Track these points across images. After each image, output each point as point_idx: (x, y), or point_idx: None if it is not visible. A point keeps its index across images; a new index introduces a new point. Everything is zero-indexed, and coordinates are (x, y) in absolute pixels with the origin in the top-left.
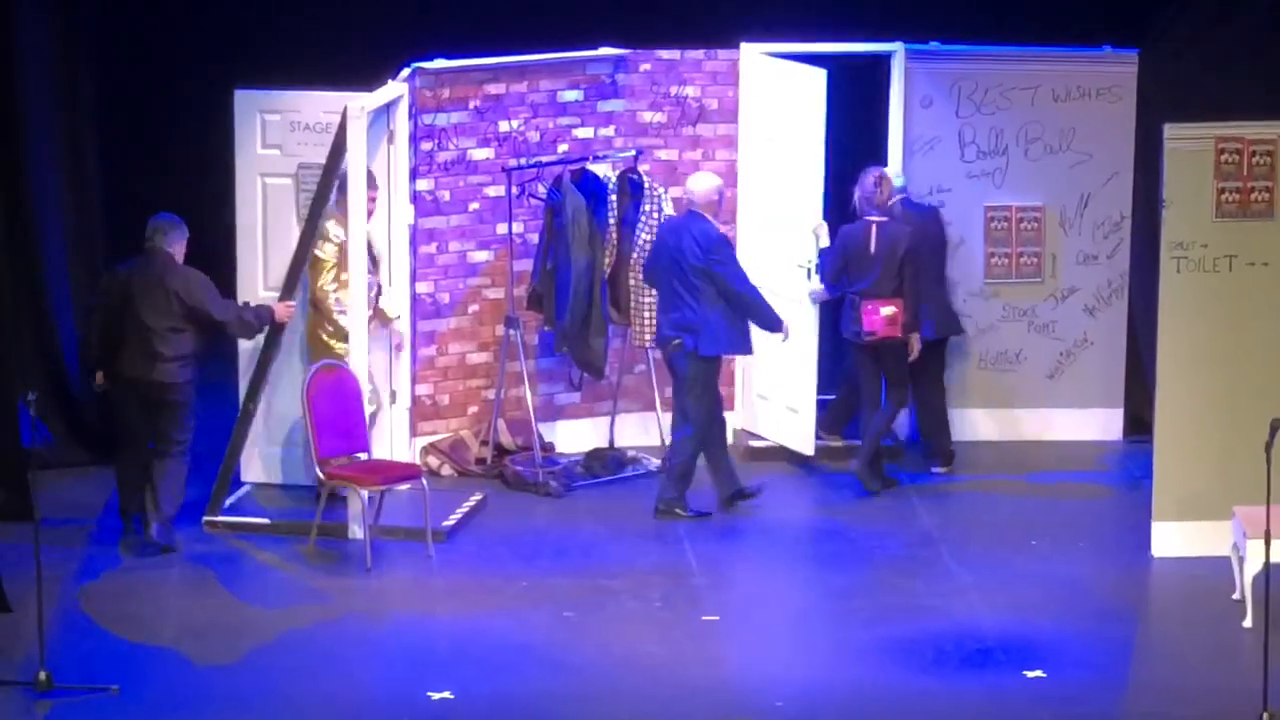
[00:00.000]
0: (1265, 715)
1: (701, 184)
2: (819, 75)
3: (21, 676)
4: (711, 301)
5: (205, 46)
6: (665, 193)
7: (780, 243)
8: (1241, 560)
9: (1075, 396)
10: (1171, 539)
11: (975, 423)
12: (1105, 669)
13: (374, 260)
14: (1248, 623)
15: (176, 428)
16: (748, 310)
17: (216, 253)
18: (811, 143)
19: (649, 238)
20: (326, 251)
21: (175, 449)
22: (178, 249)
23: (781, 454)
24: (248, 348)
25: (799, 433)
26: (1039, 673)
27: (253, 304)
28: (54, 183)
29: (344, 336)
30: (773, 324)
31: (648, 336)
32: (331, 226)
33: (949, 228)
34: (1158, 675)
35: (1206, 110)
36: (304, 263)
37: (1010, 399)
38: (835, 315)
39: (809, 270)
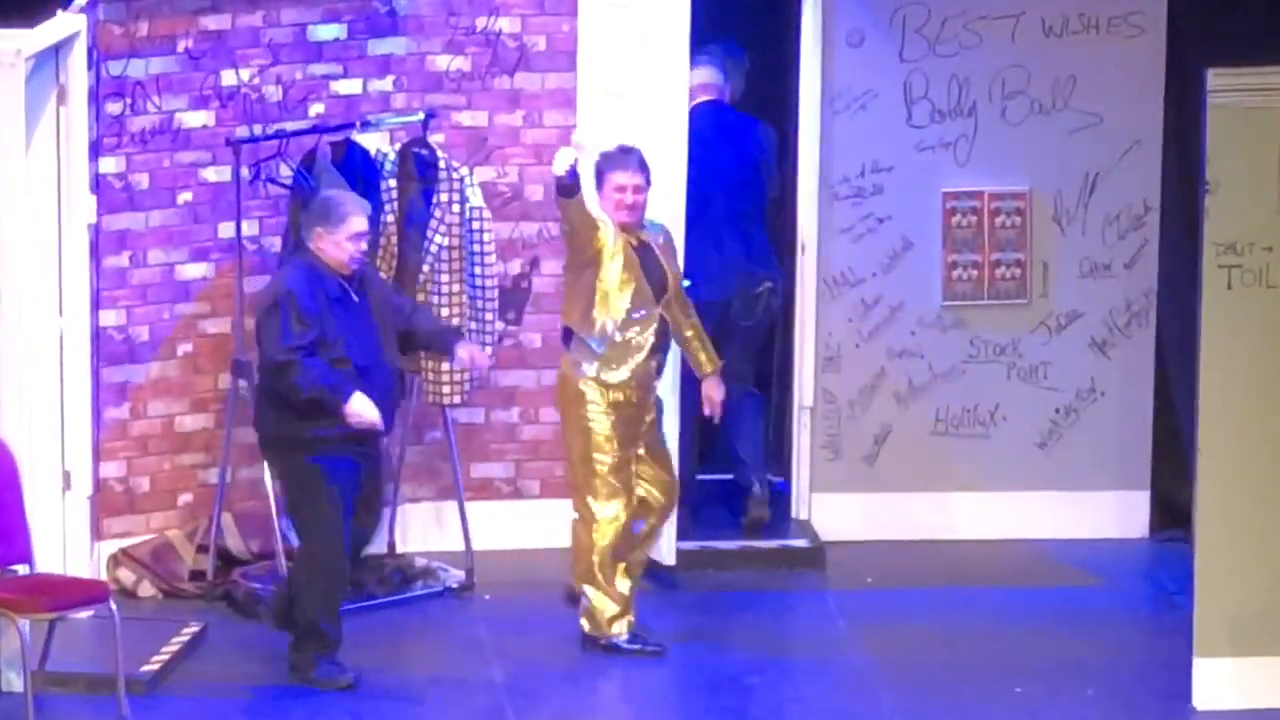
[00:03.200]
0: None
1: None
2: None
3: None
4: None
5: None
6: (470, 175)
7: None
8: None
9: (1079, 474)
10: (1222, 684)
11: (931, 513)
12: None
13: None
14: None
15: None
16: None
17: None
18: (673, 98)
19: (445, 242)
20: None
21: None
22: (322, 242)
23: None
24: None
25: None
26: None
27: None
28: None
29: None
30: None
31: (445, 389)
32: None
33: (888, 225)
34: None
35: (1268, 49)
36: None
37: (982, 479)
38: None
39: None
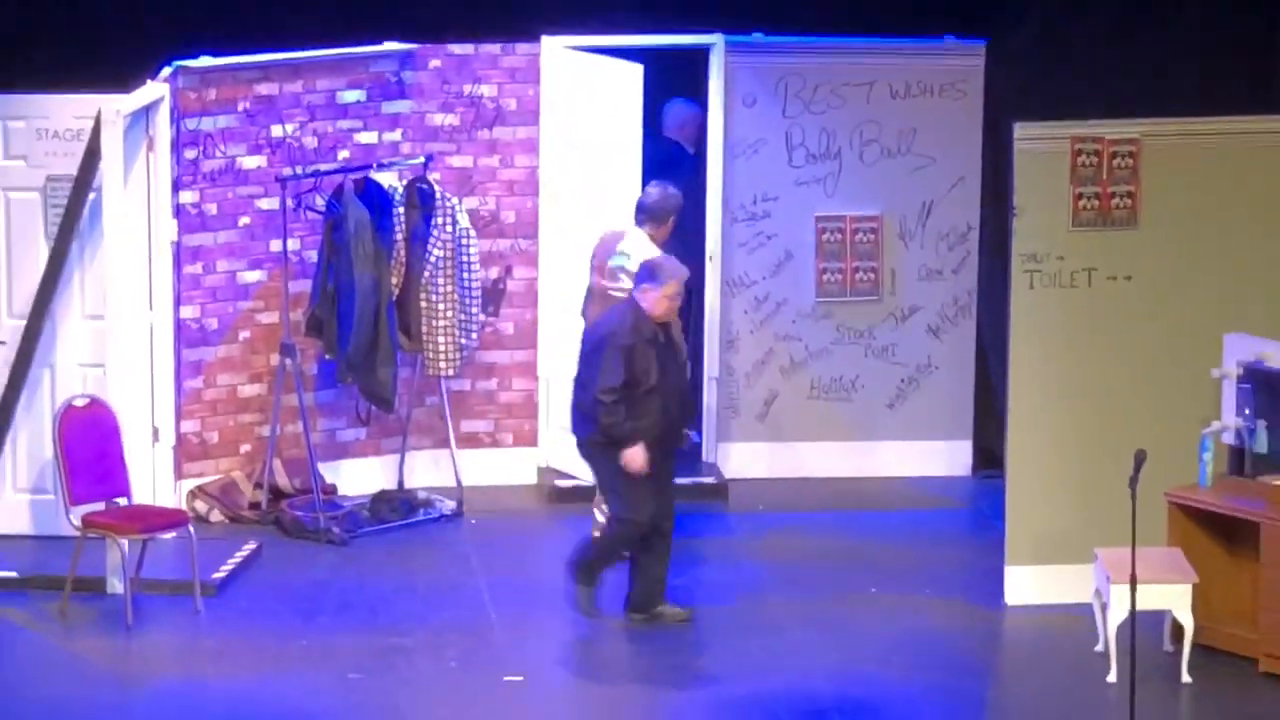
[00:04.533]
0: None
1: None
2: (634, 71)
3: None
4: None
5: None
6: (459, 203)
7: (585, 262)
8: (1104, 608)
9: (918, 428)
10: (1026, 585)
11: (806, 457)
12: None
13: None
14: (1112, 677)
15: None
16: None
17: None
18: (627, 148)
19: (442, 254)
20: (628, 266)
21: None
22: (645, 296)
23: (591, 493)
24: None
25: None
26: None
27: None
28: None
29: None
30: None
31: (442, 364)
32: (628, 245)
33: (774, 240)
34: None
35: (1061, 107)
36: (55, 284)
37: (846, 431)
38: None
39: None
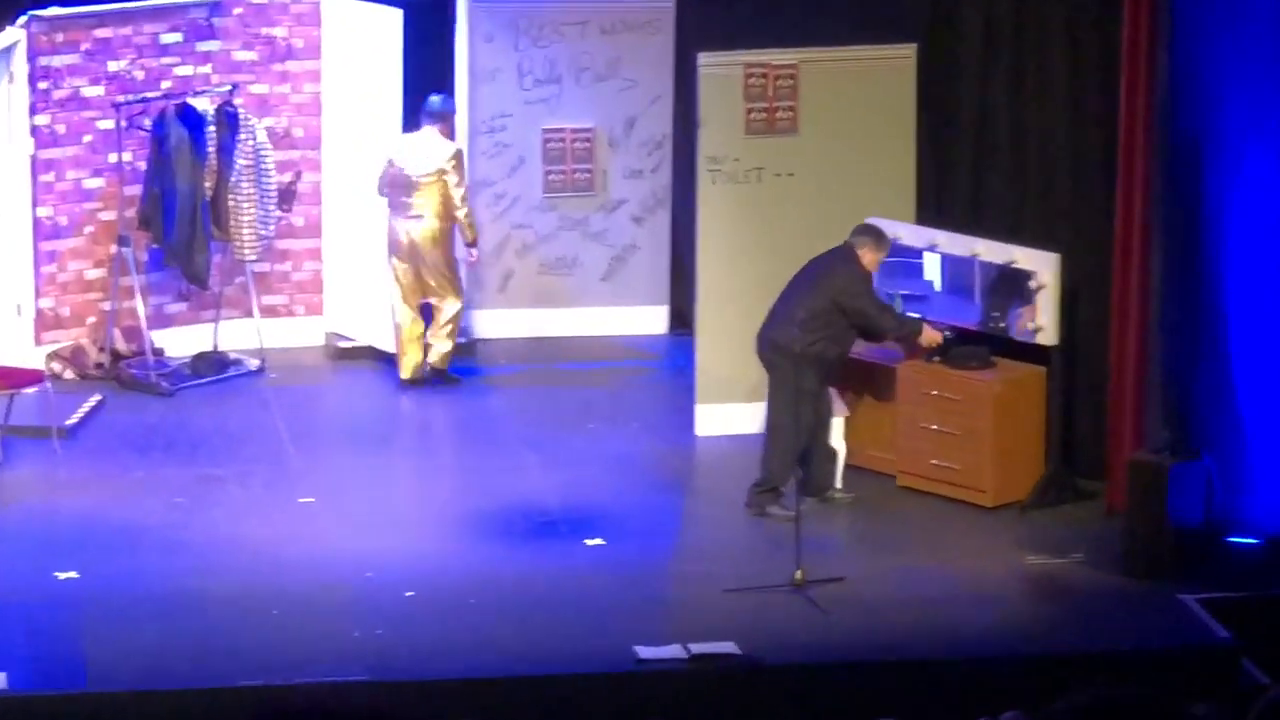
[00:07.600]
0: (798, 573)
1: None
2: (396, 14)
3: None
4: None
5: None
6: (258, 122)
7: (360, 167)
8: None
9: (625, 296)
10: (712, 419)
11: (537, 321)
12: (657, 535)
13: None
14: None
15: None
16: None
17: None
18: (390, 76)
19: (245, 163)
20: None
21: None
22: (865, 255)
23: (368, 352)
24: None
25: (384, 333)
26: (599, 540)
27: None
28: None
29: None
30: None
31: (246, 251)
32: (433, 143)
33: (509, 149)
34: (703, 540)
35: (736, 40)
36: None
37: (568, 299)
38: None
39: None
